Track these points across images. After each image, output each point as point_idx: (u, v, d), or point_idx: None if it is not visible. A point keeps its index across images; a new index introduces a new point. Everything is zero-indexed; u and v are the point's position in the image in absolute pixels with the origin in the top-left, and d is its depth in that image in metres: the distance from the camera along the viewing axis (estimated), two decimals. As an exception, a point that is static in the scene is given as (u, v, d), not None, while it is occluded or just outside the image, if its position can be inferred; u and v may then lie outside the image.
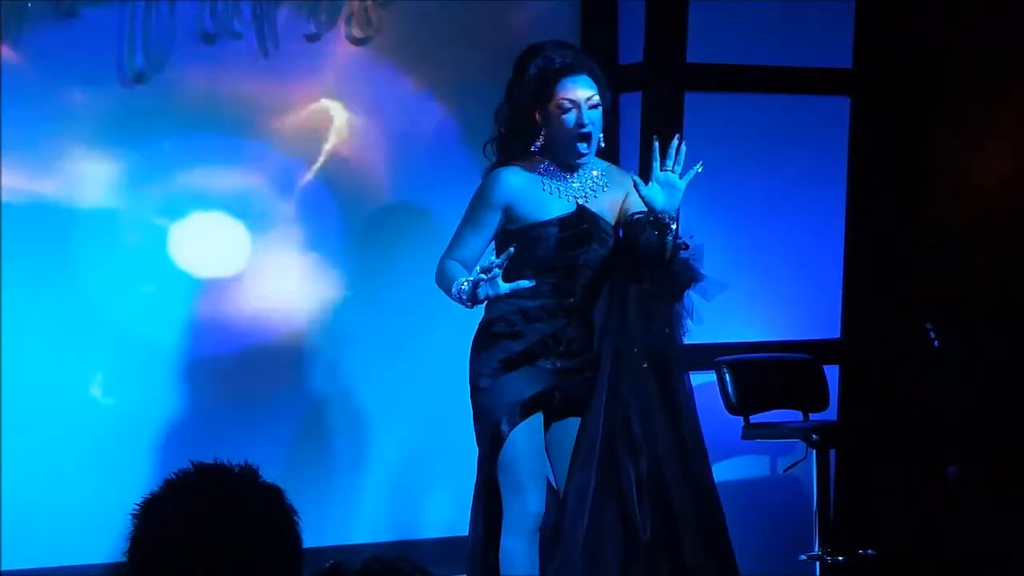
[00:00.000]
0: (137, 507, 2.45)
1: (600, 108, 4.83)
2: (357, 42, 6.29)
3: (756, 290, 6.78)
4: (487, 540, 4.84)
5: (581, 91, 4.81)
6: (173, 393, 6.06)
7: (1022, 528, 6.30)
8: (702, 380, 6.59)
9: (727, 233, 6.72)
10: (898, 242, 6.99)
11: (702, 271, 4.89)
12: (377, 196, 6.36)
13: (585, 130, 4.79)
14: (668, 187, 4.74)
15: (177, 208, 6.06)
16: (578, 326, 4.87)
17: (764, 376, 6.61)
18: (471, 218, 4.87)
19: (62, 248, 5.90)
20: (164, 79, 6.01)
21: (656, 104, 6.61)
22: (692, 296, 4.91)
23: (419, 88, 6.40)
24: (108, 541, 5.85)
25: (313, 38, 6.24)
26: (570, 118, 4.79)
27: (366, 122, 6.32)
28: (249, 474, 2.49)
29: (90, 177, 5.95)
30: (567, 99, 4.79)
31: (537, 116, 4.83)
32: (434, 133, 6.42)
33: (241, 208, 6.14)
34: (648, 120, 6.60)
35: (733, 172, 6.75)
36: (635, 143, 6.56)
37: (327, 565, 2.50)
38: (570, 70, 4.84)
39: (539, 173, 4.86)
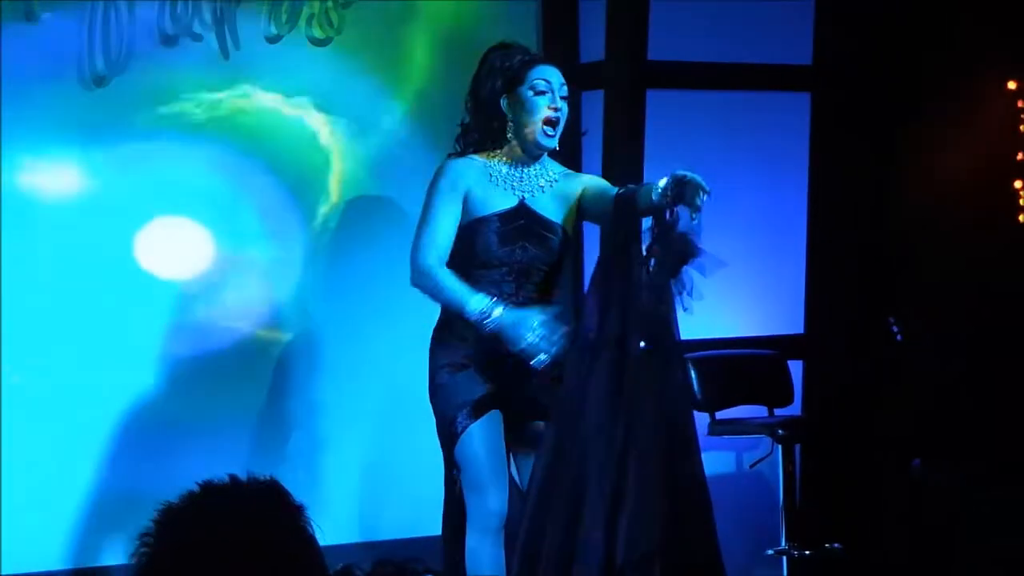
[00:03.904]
0: (155, 520, 2.41)
1: (566, 104, 4.85)
2: (318, 43, 6.29)
3: (719, 286, 6.77)
4: (451, 538, 4.83)
5: (555, 77, 4.84)
6: (137, 394, 6.04)
7: (986, 519, 6.32)
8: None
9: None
10: (860, 237, 7.01)
11: (700, 246, 4.82)
12: (338, 195, 6.36)
13: (556, 115, 4.81)
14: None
15: (139, 210, 6.04)
16: None
17: (729, 372, 6.63)
18: (438, 207, 4.83)
19: (22, 249, 5.87)
20: (125, 82, 5.99)
21: (618, 102, 6.62)
22: (691, 272, 4.83)
23: (379, 87, 6.41)
24: (72, 541, 5.87)
25: (274, 39, 6.24)
26: (543, 100, 4.81)
27: (327, 122, 6.32)
28: (270, 491, 2.46)
29: (51, 180, 5.92)
30: (543, 79, 4.82)
31: (505, 105, 4.83)
32: (395, 132, 6.42)
33: (202, 209, 6.13)
34: (610, 118, 6.61)
35: (695, 169, 6.74)
36: (597, 141, 6.57)
37: (338, 567, 2.49)
38: (542, 61, 4.91)
39: (490, 166, 4.86)
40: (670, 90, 6.72)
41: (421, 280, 4.81)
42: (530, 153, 4.86)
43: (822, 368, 6.98)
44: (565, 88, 4.86)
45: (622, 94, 6.62)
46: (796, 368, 6.87)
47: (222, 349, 6.15)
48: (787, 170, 6.94)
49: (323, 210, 6.32)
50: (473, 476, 4.78)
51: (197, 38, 6.10)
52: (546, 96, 4.81)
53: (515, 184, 4.86)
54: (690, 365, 6.47)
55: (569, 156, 5.21)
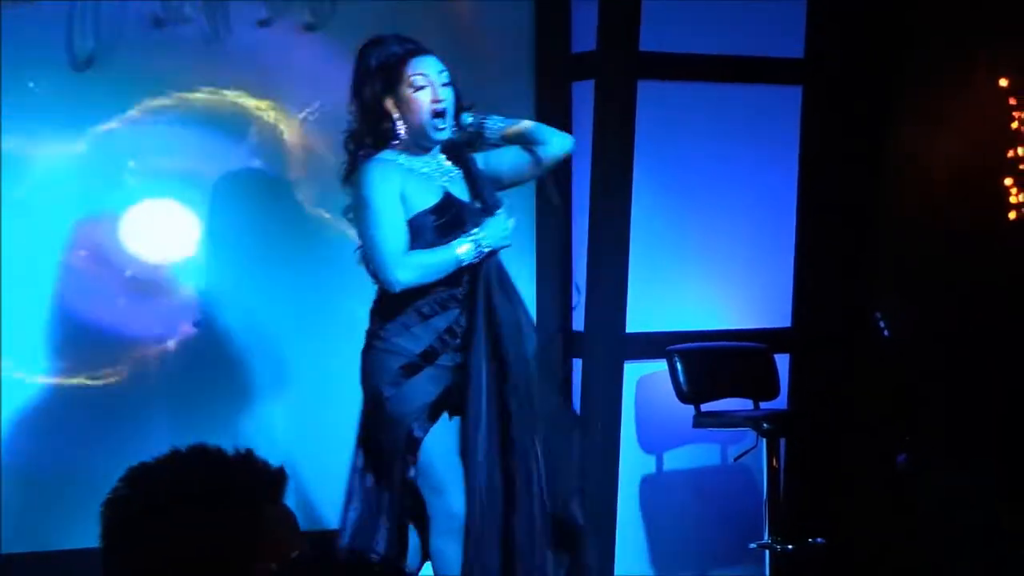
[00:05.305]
0: (126, 477, 2.39)
1: (452, 88, 4.82)
2: (309, 28, 6.28)
3: (707, 279, 6.79)
4: (400, 545, 4.84)
5: (432, 68, 4.82)
6: (111, 375, 6.03)
7: (971, 515, 6.33)
8: (654, 368, 6.61)
9: (679, 221, 6.73)
10: (849, 231, 7.01)
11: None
12: (326, 180, 6.34)
13: (441, 106, 4.79)
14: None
15: (126, 192, 6.03)
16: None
17: (715, 365, 6.62)
18: (382, 213, 4.78)
19: (11, 232, 5.86)
20: (115, 63, 5.98)
21: (609, 93, 6.60)
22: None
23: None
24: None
25: (265, 23, 6.22)
26: (424, 95, 4.79)
27: (317, 107, 6.31)
28: (248, 458, 2.43)
29: (39, 161, 5.92)
30: (419, 74, 4.79)
31: (390, 105, 4.81)
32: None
33: (190, 192, 6.12)
34: (601, 109, 6.60)
35: (686, 161, 6.76)
36: (588, 131, 6.56)
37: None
38: (416, 52, 4.85)
39: (404, 162, 4.86)
40: (661, 81, 6.70)
41: (403, 286, 4.78)
42: (425, 147, 4.87)
43: (809, 362, 6.97)
44: (446, 74, 4.83)
45: (613, 85, 6.61)
46: (783, 362, 6.87)
47: (205, 335, 6.14)
48: (777, 163, 6.93)
49: (311, 195, 6.31)
50: (434, 480, 4.80)
51: (187, 21, 6.08)
52: (426, 90, 4.80)
53: (432, 176, 4.86)
54: (676, 358, 6.47)
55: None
